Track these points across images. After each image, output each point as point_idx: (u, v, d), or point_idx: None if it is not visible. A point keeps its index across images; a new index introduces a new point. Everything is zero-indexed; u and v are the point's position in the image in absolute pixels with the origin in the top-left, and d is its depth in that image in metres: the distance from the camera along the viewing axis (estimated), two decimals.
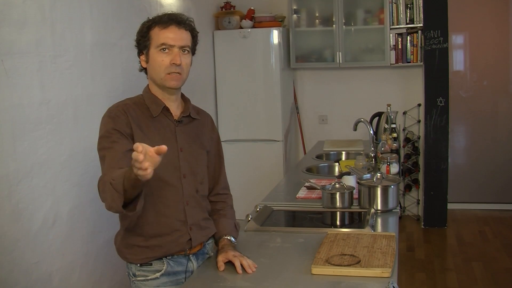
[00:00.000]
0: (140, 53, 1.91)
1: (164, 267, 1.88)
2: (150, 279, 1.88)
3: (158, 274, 1.88)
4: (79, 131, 2.62)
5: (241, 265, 1.81)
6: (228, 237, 1.98)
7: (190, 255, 1.94)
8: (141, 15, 1.98)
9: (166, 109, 1.90)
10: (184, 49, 1.86)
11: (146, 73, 1.93)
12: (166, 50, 1.83)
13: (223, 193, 2.12)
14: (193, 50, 1.93)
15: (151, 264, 1.88)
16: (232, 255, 1.85)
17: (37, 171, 2.34)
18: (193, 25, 1.92)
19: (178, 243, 1.88)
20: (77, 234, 2.63)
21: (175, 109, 1.94)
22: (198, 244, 1.96)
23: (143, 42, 1.87)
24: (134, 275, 1.89)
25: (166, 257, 1.89)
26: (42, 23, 2.37)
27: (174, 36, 1.83)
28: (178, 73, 1.85)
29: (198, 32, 1.95)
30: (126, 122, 1.81)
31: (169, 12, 1.91)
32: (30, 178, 2.29)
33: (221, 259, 1.86)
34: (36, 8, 2.33)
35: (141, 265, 1.88)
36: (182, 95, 1.99)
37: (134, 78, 2.00)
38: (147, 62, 1.88)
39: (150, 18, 1.90)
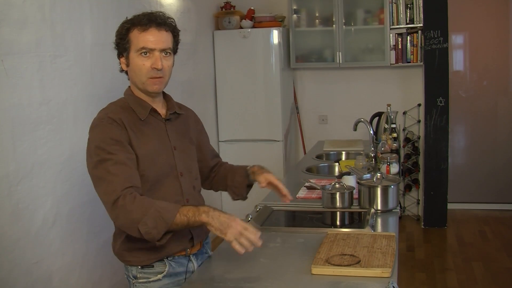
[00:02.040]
0: (120, 55, 1.85)
1: (166, 269, 1.86)
2: (152, 281, 1.85)
3: (160, 276, 1.85)
4: (79, 131, 2.62)
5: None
6: (258, 165, 2.09)
7: (191, 255, 1.93)
8: None
9: (153, 110, 1.87)
10: (166, 52, 1.81)
11: (127, 74, 1.89)
12: (147, 54, 1.78)
13: (216, 162, 2.19)
14: (174, 50, 1.89)
15: (152, 266, 1.85)
16: (274, 179, 2.00)
17: (37, 171, 2.34)
18: (173, 24, 1.86)
19: (180, 242, 1.87)
20: (77, 234, 2.63)
21: (160, 108, 1.92)
22: (198, 243, 1.95)
23: (122, 45, 1.82)
24: (135, 277, 1.86)
25: (167, 258, 1.87)
26: (42, 23, 2.37)
27: (154, 39, 1.77)
28: (160, 77, 1.81)
29: (179, 31, 1.90)
30: (121, 128, 1.77)
31: (148, 12, 1.83)
32: (30, 178, 2.29)
33: (263, 179, 1.99)
34: (36, 8, 2.33)
35: (142, 267, 1.85)
36: (164, 93, 1.96)
37: None
38: (127, 65, 1.84)
39: (129, 18, 1.83)
